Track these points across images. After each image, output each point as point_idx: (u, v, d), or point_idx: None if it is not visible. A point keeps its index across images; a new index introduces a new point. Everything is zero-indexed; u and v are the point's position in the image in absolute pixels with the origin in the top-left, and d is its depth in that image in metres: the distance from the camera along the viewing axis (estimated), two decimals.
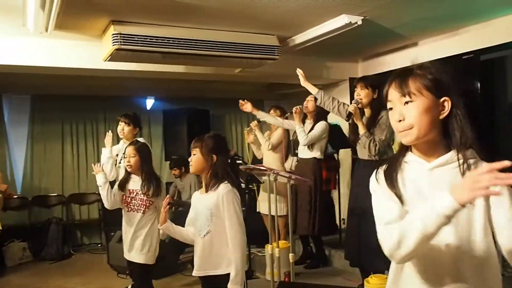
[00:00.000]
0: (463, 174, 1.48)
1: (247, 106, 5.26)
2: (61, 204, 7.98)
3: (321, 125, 5.37)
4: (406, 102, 1.52)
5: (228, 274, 2.84)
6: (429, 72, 1.54)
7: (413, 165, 1.60)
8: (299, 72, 4.72)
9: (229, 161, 3.02)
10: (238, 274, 2.81)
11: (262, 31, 5.36)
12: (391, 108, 1.58)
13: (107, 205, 3.91)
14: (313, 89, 4.68)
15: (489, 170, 1.27)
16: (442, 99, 1.51)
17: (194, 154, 2.93)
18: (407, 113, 1.52)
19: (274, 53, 5.45)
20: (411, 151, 1.62)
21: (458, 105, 1.52)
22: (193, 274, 3.01)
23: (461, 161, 1.50)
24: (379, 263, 3.98)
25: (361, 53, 6.88)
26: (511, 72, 5.21)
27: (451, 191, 1.33)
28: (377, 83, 4.22)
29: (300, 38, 5.56)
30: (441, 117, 1.52)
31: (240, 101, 5.33)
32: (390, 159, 1.69)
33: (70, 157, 8.15)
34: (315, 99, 5.05)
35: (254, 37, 5.36)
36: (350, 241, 4.42)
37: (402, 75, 1.56)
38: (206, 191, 2.93)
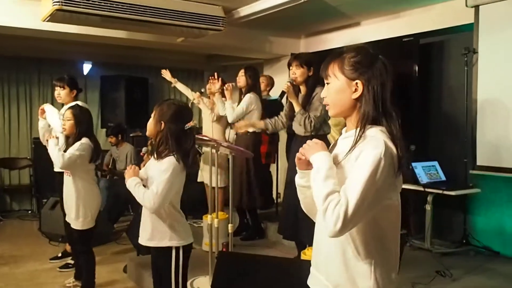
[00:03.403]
0: (353, 146, 1.61)
1: (166, 74, 5.85)
2: None
3: (246, 98, 5.28)
4: (327, 83, 1.74)
5: (165, 248, 2.82)
6: (351, 55, 1.68)
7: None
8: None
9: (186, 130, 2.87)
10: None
11: (207, 0, 5.28)
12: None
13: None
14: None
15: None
16: (355, 81, 1.66)
17: (151, 117, 2.88)
18: (327, 92, 1.74)
19: (219, 24, 5.40)
20: None
21: (370, 87, 1.64)
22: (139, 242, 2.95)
23: (357, 135, 1.63)
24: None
25: (304, 29, 6.93)
26: (447, 56, 5.43)
27: None
28: (312, 61, 4.23)
29: (246, 10, 5.54)
30: (353, 97, 1.67)
31: (162, 70, 5.90)
32: None
33: (1, 121, 7.80)
34: (245, 74, 5.21)
35: (199, 6, 5.29)
36: (285, 214, 4.45)
37: (330, 58, 1.74)
38: (156, 158, 2.85)
